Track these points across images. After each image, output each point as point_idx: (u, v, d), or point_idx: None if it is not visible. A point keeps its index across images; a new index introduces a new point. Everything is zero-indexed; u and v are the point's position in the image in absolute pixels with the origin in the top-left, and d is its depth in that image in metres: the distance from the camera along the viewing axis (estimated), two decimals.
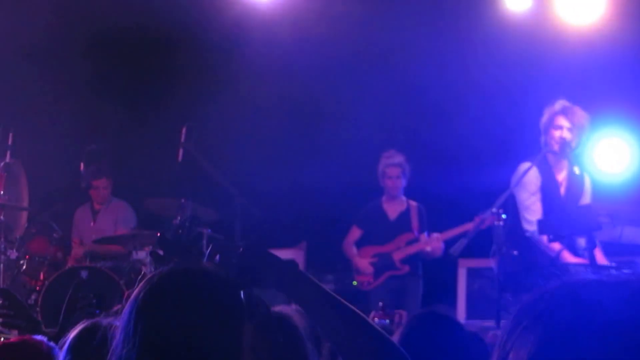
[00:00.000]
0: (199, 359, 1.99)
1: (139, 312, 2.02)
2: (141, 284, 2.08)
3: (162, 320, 2.01)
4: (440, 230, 8.53)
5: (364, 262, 8.64)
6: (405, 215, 8.77)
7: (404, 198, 8.82)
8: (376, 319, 5.40)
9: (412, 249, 8.58)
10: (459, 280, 9.83)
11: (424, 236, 8.69)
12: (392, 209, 8.80)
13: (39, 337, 3.21)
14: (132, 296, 2.06)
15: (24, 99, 9.98)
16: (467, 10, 9.94)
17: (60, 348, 3.14)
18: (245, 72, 10.25)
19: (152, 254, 2.18)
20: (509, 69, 9.61)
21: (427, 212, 8.83)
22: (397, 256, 8.58)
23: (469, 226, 8.06)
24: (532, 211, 6.56)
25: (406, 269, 8.56)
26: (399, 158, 8.69)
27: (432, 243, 8.44)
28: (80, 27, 10.45)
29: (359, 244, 8.85)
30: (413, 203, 8.82)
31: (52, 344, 3.27)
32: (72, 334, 3.04)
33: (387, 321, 5.29)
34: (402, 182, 8.70)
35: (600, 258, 6.40)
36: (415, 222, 8.74)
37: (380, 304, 6.10)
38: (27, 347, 3.12)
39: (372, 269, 8.62)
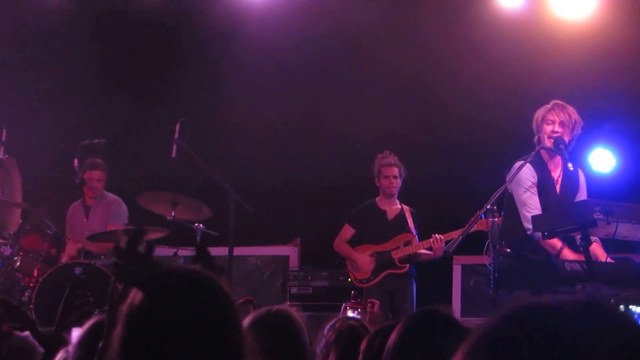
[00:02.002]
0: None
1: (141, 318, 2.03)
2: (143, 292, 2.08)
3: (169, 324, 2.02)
4: (433, 231, 8.52)
5: (364, 258, 8.63)
6: (400, 216, 8.78)
7: (397, 200, 8.83)
8: (348, 309, 5.39)
9: (413, 249, 8.58)
10: (454, 277, 9.84)
11: (415, 239, 8.71)
12: (390, 209, 8.80)
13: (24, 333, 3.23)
14: (134, 304, 2.06)
15: (18, 95, 9.96)
16: (461, 7, 9.94)
17: (59, 345, 3.14)
18: (240, 68, 10.24)
19: (113, 266, 2.17)
20: (502, 65, 9.61)
21: (423, 213, 8.87)
22: (397, 255, 8.58)
23: (473, 228, 8.10)
24: (530, 208, 6.54)
25: (406, 267, 8.57)
26: (394, 158, 8.70)
27: (435, 243, 8.42)
28: (73, 24, 10.43)
29: (352, 242, 8.84)
30: (406, 206, 8.84)
31: (33, 341, 3.29)
32: (83, 329, 3.04)
33: (358, 310, 5.26)
34: (398, 183, 8.70)
35: (601, 253, 6.40)
36: (411, 224, 8.75)
37: (353, 292, 6.11)
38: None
39: (372, 265, 8.60)
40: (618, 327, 1.18)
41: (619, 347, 1.15)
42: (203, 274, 2.13)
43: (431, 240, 8.47)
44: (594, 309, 1.19)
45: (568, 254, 6.34)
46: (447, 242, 8.16)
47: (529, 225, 6.49)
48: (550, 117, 6.58)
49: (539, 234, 6.42)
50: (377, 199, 8.85)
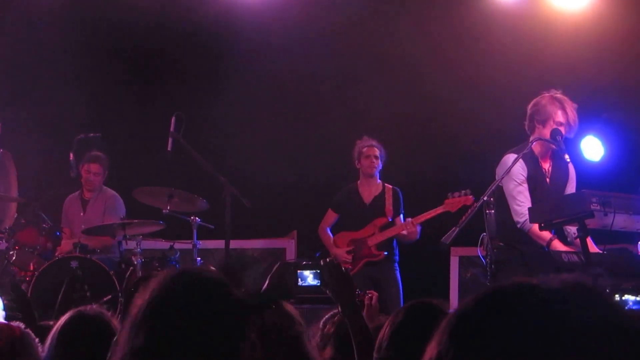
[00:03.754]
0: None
1: (151, 314, 2.02)
2: (154, 287, 2.08)
3: (174, 321, 2.01)
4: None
5: (341, 252, 8.64)
6: (379, 198, 8.76)
7: (379, 181, 8.83)
8: None
9: (387, 234, 8.57)
10: (451, 268, 9.84)
11: (399, 220, 8.70)
12: (367, 192, 8.80)
13: (15, 323, 3.24)
14: (145, 300, 2.04)
15: (13, 88, 9.93)
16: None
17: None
18: (236, 63, 10.23)
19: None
20: (498, 56, 9.60)
21: (404, 195, 8.84)
22: (372, 242, 8.58)
23: (440, 209, 8.18)
24: (521, 202, 6.54)
25: (382, 255, 8.55)
26: (374, 141, 8.75)
27: (408, 227, 8.45)
28: (71, 19, 10.41)
29: (336, 227, 8.87)
30: (388, 186, 8.82)
31: (26, 329, 3.30)
32: (60, 322, 3.05)
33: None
34: (379, 164, 8.72)
35: (591, 246, 6.39)
36: (389, 206, 8.73)
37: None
38: (1, 331, 3.14)
39: (350, 257, 8.62)
40: (602, 306, 1.18)
41: (603, 326, 1.16)
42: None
43: (404, 223, 8.50)
44: (580, 289, 1.19)
45: (558, 246, 6.35)
46: (449, 233, 8.12)
47: (518, 219, 6.50)
48: (561, 119, 6.54)
49: (528, 227, 6.44)
50: (357, 182, 8.87)
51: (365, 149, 8.72)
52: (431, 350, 1.20)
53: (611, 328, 1.16)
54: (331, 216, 8.91)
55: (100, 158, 9.19)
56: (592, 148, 8.38)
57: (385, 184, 8.83)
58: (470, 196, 8.10)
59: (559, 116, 6.55)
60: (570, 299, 1.17)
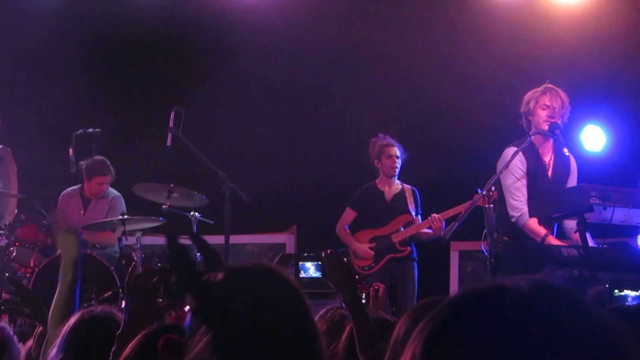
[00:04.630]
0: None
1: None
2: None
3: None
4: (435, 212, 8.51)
5: (363, 248, 8.60)
6: (400, 196, 8.73)
7: (398, 181, 8.78)
8: None
9: (412, 231, 8.53)
10: (451, 263, 9.84)
11: (417, 219, 8.68)
12: (388, 191, 8.75)
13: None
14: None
15: (12, 84, 9.93)
16: None
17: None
18: (236, 57, 10.22)
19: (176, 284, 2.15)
20: (497, 51, 9.60)
21: (421, 196, 8.82)
22: (397, 238, 8.55)
23: (465, 205, 8.10)
24: (517, 196, 6.55)
25: (407, 250, 8.54)
26: (392, 139, 8.67)
27: (434, 223, 8.38)
28: (70, 14, 10.40)
29: (354, 226, 8.81)
30: (407, 186, 8.78)
31: (10, 332, 3.32)
32: (70, 322, 3.06)
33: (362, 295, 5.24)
34: (400, 163, 8.67)
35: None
36: (411, 204, 8.70)
37: (357, 276, 6.08)
38: None
39: (372, 253, 8.57)
40: (572, 305, 1.20)
41: (573, 324, 1.17)
42: (267, 266, 2.13)
43: (429, 219, 8.45)
44: (545, 288, 1.21)
45: (552, 242, 6.36)
46: (448, 221, 8.12)
47: (513, 213, 6.52)
48: (546, 101, 6.58)
49: (523, 222, 6.45)
50: (377, 180, 8.80)
51: (386, 149, 8.61)
52: (405, 357, 1.21)
53: (581, 326, 1.18)
54: (349, 215, 8.83)
55: (109, 167, 9.06)
56: (593, 138, 8.39)
57: (404, 184, 8.79)
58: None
59: (543, 99, 6.57)
60: (540, 300, 1.19)
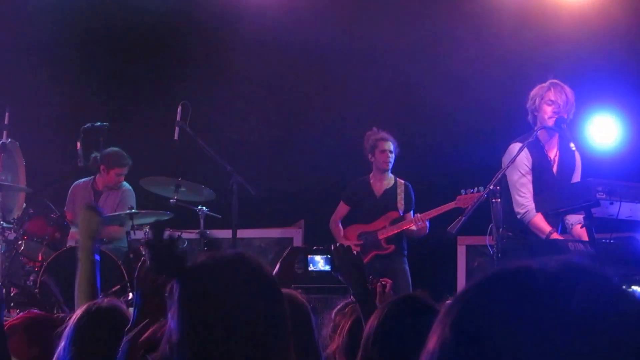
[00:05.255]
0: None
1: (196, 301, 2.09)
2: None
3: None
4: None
5: (351, 243, 8.62)
6: (390, 192, 8.73)
7: (392, 175, 8.79)
8: None
9: (397, 228, 8.55)
10: (458, 258, 9.84)
11: (409, 215, 8.68)
12: (379, 186, 8.76)
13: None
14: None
15: (20, 78, 9.94)
16: None
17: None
18: (242, 51, 10.22)
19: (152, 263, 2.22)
20: (501, 45, 9.58)
21: (415, 191, 8.82)
22: (382, 235, 8.56)
23: (451, 205, 8.14)
24: (523, 193, 6.55)
25: (391, 248, 8.54)
26: (387, 133, 8.67)
27: (417, 223, 8.42)
28: (79, 7, 10.41)
29: (348, 219, 8.85)
30: (400, 181, 8.78)
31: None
32: (76, 315, 3.07)
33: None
34: (394, 157, 8.67)
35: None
36: (400, 200, 8.71)
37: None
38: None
39: (357, 249, 8.59)
40: (598, 284, 1.19)
41: (595, 304, 1.16)
42: (245, 255, 2.17)
43: (414, 218, 8.48)
44: (575, 268, 1.20)
45: (556, 237, 6.37)
46: (439, 222, 8.15)
47: (519, 210, 6.52)
48: (551, 97, 6.58)
49: (528, 219, 6.46)
50: (370, 174, 8.82)
51: (380, 143, 8.62)
52: (432, 341, 1.20)
53: (613, 306, 1.16)
54: (343, 208, 8.86)
55: (127, 158, 9.11)
56: (603, 131, 8.36)
57: (398, 179, 8.78)
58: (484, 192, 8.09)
59: (549, 95, 6.57)
60: (570, 279, 1.18)
